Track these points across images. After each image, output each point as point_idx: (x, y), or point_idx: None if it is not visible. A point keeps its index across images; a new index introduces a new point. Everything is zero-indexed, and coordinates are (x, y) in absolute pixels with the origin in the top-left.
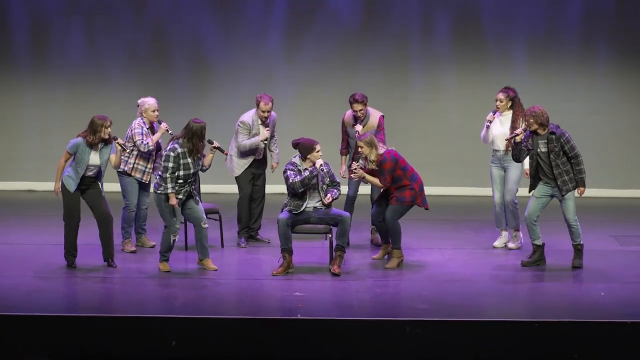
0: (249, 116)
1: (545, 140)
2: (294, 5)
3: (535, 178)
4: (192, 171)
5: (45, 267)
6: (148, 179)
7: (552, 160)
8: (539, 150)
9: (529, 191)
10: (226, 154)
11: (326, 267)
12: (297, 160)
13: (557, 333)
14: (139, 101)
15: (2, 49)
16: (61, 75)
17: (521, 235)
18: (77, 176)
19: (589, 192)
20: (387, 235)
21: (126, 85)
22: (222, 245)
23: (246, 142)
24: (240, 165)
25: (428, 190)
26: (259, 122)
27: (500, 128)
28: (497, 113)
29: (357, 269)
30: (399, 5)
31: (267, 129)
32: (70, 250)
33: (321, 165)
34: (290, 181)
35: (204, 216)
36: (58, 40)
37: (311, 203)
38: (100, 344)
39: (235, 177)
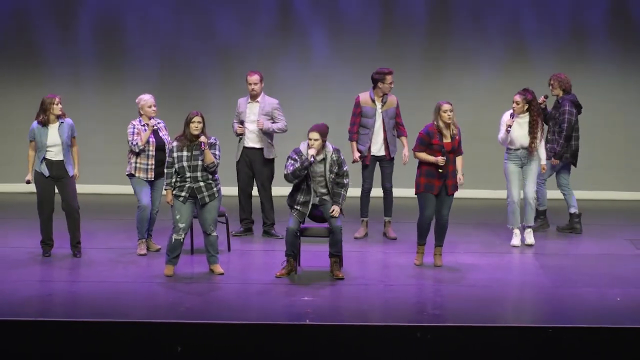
0: (242, 98)
1: (553, 106)
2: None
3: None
4: (185, 164)
5: (48, 271)
6: (152, 176)
7: (550, 126)
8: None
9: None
10: (202, 149)
11: None
12: (303, 148)
13: (572, 339)
14: (137, 100)
15: (3, 48)
16: (65, 75)
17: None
18: (43, 161)
19: (606, 194)
20: (426, 235)
21: (137, 87)
22: (229, 249)
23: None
24: (238, 151)
25: None
26: (248, 101)
27: (519, 130)
28: (514, 115)
29: (367, 273)
30: (406, 4)
31: (240, 131)
32: (46, 240)
33: (313, 155)
34: (284, 172)
35: (212, 225)
36: (64, 39)
37: (317, 189)
38: (104, 349)
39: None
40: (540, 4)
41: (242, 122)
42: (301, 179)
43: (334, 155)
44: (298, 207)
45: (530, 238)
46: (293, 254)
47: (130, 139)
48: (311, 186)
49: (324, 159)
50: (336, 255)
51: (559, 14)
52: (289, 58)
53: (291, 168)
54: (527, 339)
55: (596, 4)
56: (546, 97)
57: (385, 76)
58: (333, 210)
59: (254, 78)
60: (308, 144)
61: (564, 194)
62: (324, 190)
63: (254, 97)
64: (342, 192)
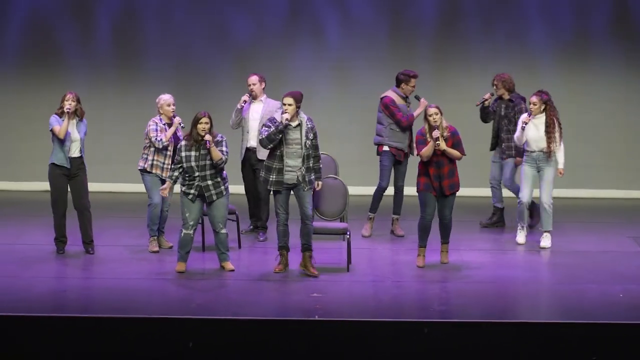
0: (247, 104)
1: (505, 105)
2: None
3: (495, 138)
4: (193, 164)
5: (62, 268)
6: (167, 175)
7: (504, 125)
8: (500, 113)
9: (490, 150)
10: (207, 147)
11: (344, 267)
12: (277, 116)
13: (575, 335)
14: (157, 99)
15: (12, 47)
16: (80, 75)
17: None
18: (63, 151)
19: (608, 193)
20: (427, 237)
21: (151, 87)
22: (240, 246)
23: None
24: (242, 150)
25: None
26: (251, 101)
27: (535, 131)
28: (530, 114)
29: (374, 269)
30: (415, 6)
31: (245, 99)
32: (60, 237)
33: (287, 120)
34: (258, 137)
35: (221, 223)
36: (78, 37)
37: (290, 162)
38: (116, 345)
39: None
40: (545, 6)
41: (241, 121)
42: (276, 146)
43: (308, 123)
44: (273, 178)
45: (545, 242)
46: (286, 246)
47: (153, 135)
48: (283, 152)
49: (299, 125)
50: (307, 247)
51: (563, 15)
52: (301, 58)
53: (265, 133)
54: (531, 335)
55: (599, 6)
56: (492, 94)
57: (410, 79)
58: (319, 186)
59: (253, 79)
60: (283, 111)
61: (494, 189)
62: (296, 162)
63: (255, 97)
64: (320, 166)
